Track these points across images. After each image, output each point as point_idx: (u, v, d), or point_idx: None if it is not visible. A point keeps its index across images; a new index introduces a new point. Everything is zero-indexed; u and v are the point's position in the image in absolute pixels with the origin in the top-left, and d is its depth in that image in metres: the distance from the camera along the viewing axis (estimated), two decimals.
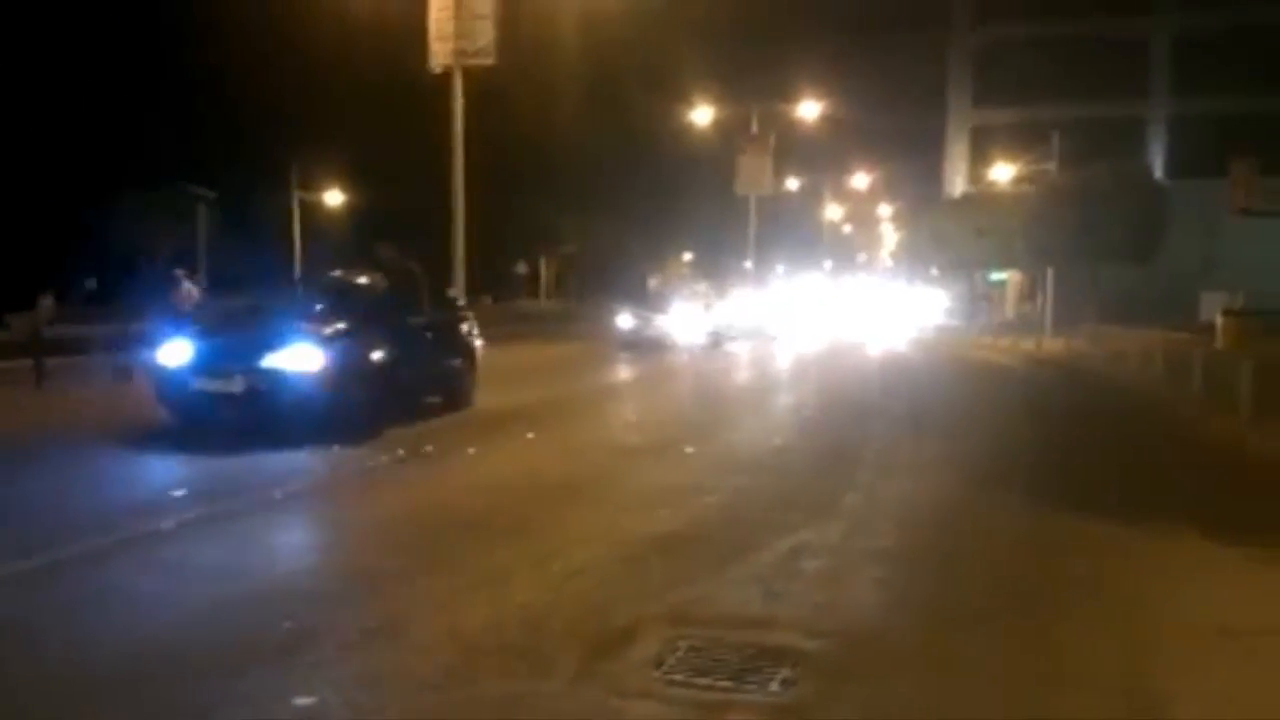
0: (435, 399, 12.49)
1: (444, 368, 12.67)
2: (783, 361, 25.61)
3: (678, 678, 4.29)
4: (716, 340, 28.13)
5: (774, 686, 4.21)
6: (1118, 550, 6.49)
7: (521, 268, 52.49)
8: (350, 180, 47.93)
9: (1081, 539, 6.81)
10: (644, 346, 25.42)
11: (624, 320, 27.02)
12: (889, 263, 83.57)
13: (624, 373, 20.76)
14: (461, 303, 14.94)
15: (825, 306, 48.64)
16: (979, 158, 48.25)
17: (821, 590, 5.55)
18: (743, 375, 21.87)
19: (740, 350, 27.91)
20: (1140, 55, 47.54)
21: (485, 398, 13.42)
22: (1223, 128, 40.77)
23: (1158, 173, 43.86)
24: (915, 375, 21.15)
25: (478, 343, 13.81)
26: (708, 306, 29.34)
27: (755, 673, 4.34)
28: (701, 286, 32.34)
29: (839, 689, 4.21)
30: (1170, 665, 4.51)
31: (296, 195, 45.03)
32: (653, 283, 31.45)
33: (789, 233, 65.34)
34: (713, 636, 4.74)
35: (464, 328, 13.66)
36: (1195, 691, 4.27)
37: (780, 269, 63.69)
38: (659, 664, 4.42)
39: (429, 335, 12.29)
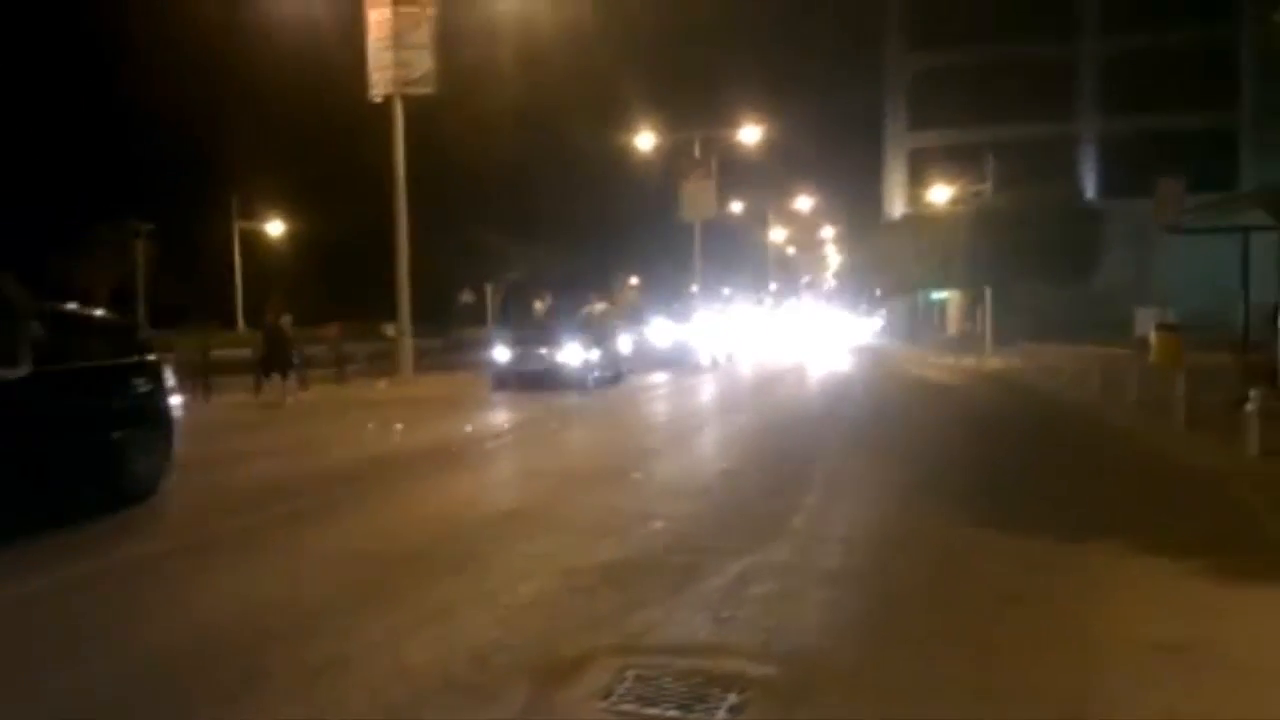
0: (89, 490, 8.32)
1: (89, 443, 8.40)
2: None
3: (626, 708, 4.28)
4: (615, 374, 23.83)
5: (721, 714, 4.22)
6: (1057, 566, 6.58)
7: (467, 296, 52.29)
8: (292, 210, 47.52)
9: (1021, 556, 6.91)
10: (523, 382, 21.21)
11: (500, 353, 21.94)
12: (833, 284, 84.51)
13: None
14: (146, 343, 10.01)
15: (765, 329, 48.05)
16: (917, 180, 49.07)
17: (769, 615, 5.58)
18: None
19: (649, 385, 23.80)
20: (1068, 78, 48.82)
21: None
22: (1151, 147, 41.91)
23: (1089, 192, 45.01)
24: (858, 395, 21.35)
25: (173, 401, 9.72)
26: (602, 336, 23.65)
27: (703, 700, 4.34)
28: (600, 308, 26.29)
29: (787, 714, 4.23)
30: (1108, 681, 4.59)
31: (237, 225, 44.51)
32: (539, 306, 25.43)
33: (734, 256, 65.83)
34: (661, 665, 4.74)
35: (138, 382, 9.28)
36: (1132, 706, 4.34)
37: (726, 292, 64.06)
38: (607, 695, 4.41)
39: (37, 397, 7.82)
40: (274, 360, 19.45)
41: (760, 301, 64.74)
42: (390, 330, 32.81)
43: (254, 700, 4.38)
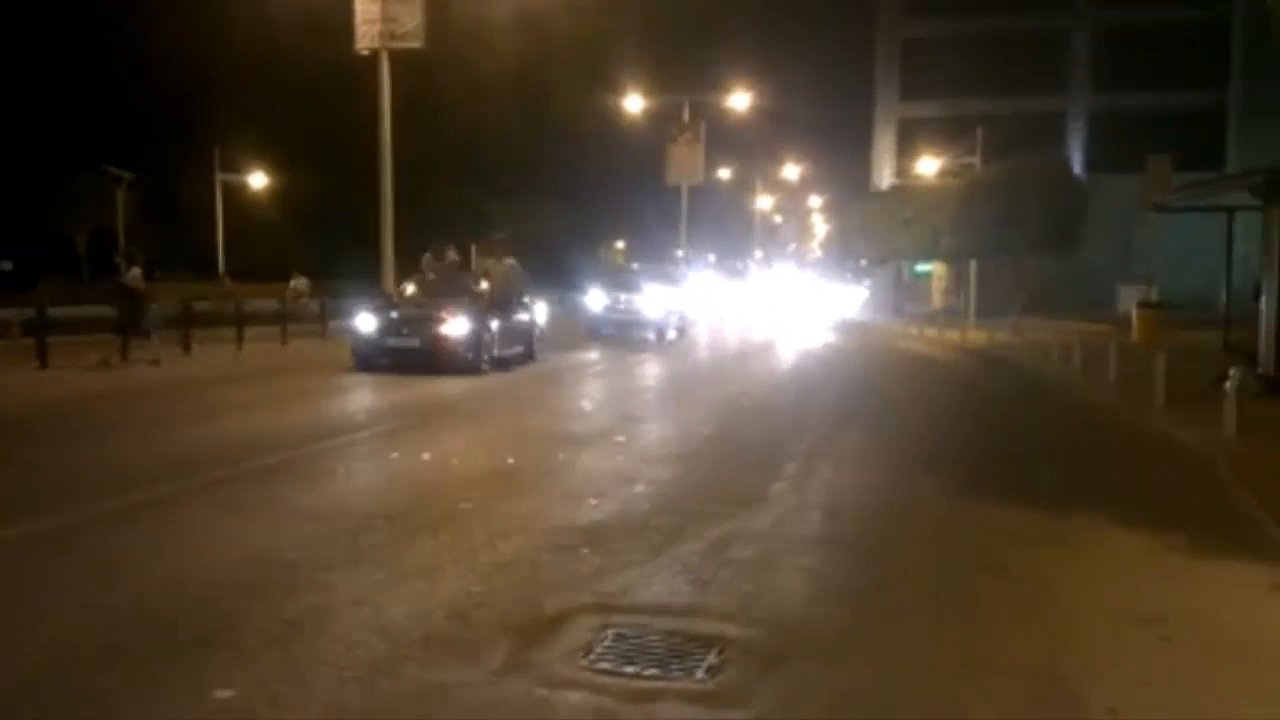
0: None
1: None
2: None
3: (604, 666, 4.29)
4: (524, 352, 18.45)
5: (700, 674, 4.24)
6: (1037, 538, 6.63)
7: (452, 254, 52.07)
8: (275, 164, 47.04)
9: (1002, 527, 6.96)
10: (396, 361, 16.19)
11: (364, 322, 16.80)
12: (819, 253, 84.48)
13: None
14: None
15: (741, 298, 44.62)
16: (906, 150, 48.95)
17: (749, 579, 5.60)
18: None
19: (569, 368, 18.68)
20: (1061, 51, 48.71)
21: None
22: (1140, 124, 41.93)
23: (1077, 167, 44.96)
24: (840, 367, 21.39)
25: None
26: (505, 303, 18.04)
27: (681, 660, 4.36)
28: (508, 264, 20.21)
29: (765, 676, 4.24)
30: (1088, 651, 4.63)
31: (219, 178, 44.03)
32: (428, 260, 19.77)
33: (720, 222, 65.68)
34: (640, 624, 4.76)
35: None
36: (1112, 676, 4.38)
37: (711, 257, 63.94)
38: (586, 652, 4.41)
39: None
40: (122, 320, 16.40)
41: (738, 269, 61.47)
42: (295, 284, 31.19)
43: (229, 652, 4.36)
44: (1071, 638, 4.78)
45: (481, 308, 16.92)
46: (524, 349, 18.41)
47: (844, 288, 55.45)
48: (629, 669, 4.27)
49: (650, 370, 19.52)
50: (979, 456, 9.95)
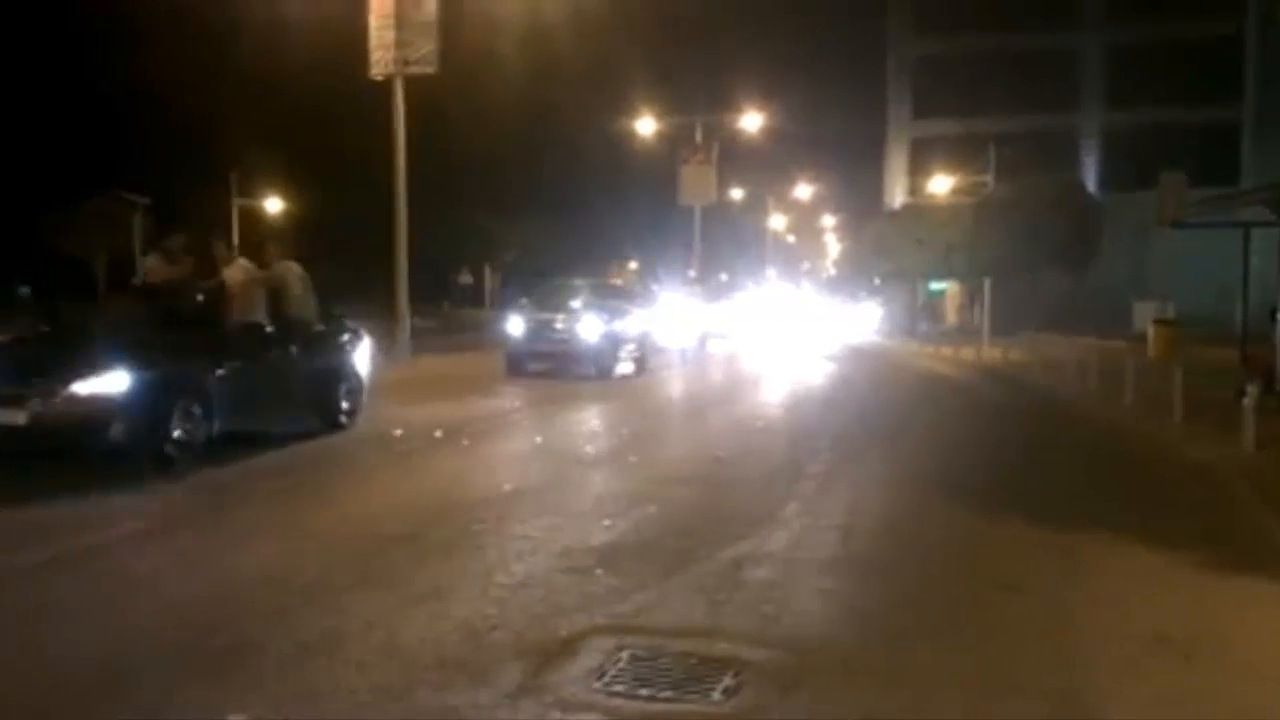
0: None
1: None
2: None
3: (619, 688, 4.27)
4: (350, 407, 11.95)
5: (715, 696, 4.21)
6: (1056, 557, 6.57)
7: (466, 277, 52.18)
8: (291, 188, 47.38)
9: (1019, 545, 6.91)
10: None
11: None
12: (832, 271, 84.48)
13: None
14: None
15: (743, 320, 38.69)
16: (918, 169, 48.94)
17: (766, 600, 5.57)
18: None
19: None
20: (1073, 69, 48.70)
21: None
22: (1153, 140, 41.83)
23: (1091, 185, 44.92)
24: (857, 385, 21.31)
25: None
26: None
27: (697, 682, 4.33)
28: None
29: (782, 698, 4.22)
30: (1108, 671, 4.58)
31: (236, 202, 44.39)
32: (149, 263, 12.91)
33: (734, 242, 65.71)
34: (655, 646, 4.73)
35: None
36: (1132, 696, 4.34)
37: (724, 277, 63.93)
38: (601, 675, 4.39)
39: None
40: None
41: (728, 288, 50.50)
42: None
43: (244, 675, 4.36)
44: (1091, 656, 4.74)
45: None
46: (317, 405, 11.24)
47: (856, 306, 54.89)
48: (644, 692, 4.24)
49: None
50: (994, 473, 9.88)
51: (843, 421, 14.18)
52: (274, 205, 46.99)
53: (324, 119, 43.49)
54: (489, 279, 55.93)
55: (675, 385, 20.18)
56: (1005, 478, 9.73)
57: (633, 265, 54.81)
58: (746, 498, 8.39)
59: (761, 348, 31.59)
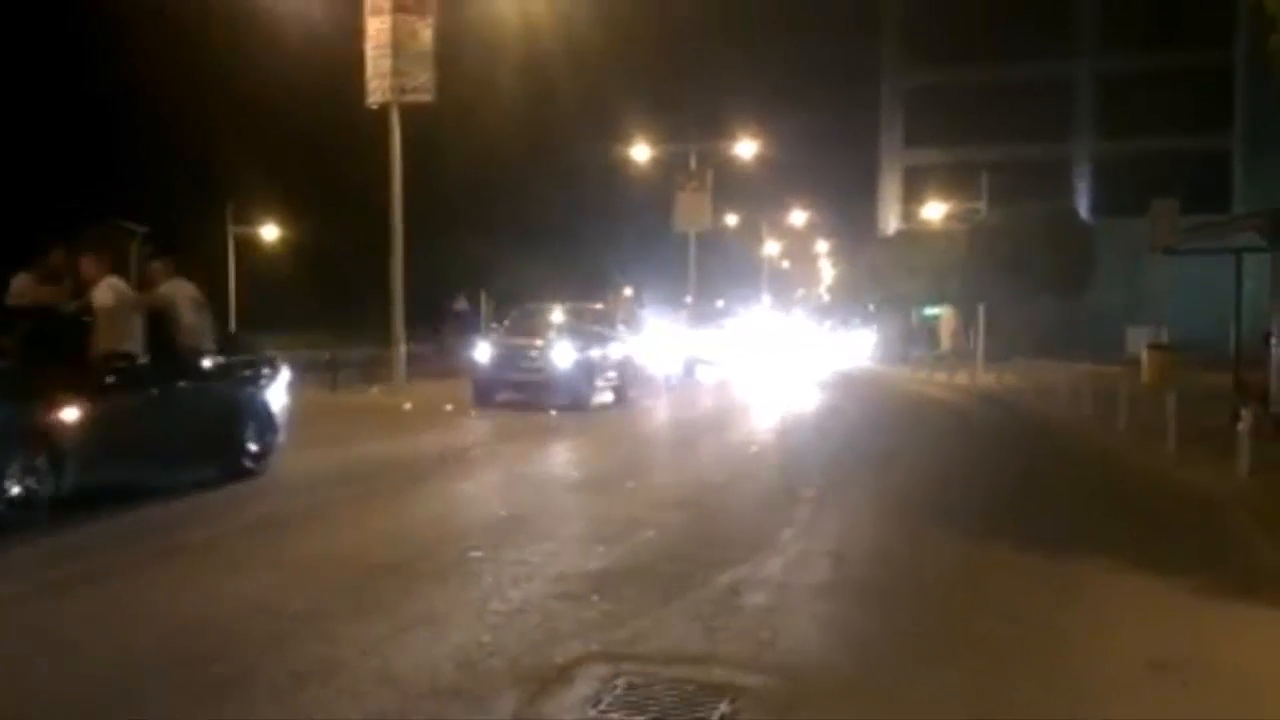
0: None
1: None
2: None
3: (615, 716, 4.26)
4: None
5: None
6: (1050, 583, 6.58)
7: (461, 304, 52.33)
8: (287, 216, 47.52)
9: (1014, 572, 6.91)
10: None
11: None
12: (826, 297, 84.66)
13: None
14: None
15: (748, 344, 37.12)
16: (912, 196, 49.21)
17: (761, 626, 5.57)
18: None
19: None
20: (1065, 97, 49.07)
21: None
22: (1145, 168, 42.08)
23: (1083, 212, 45.19)
24: (848, 414, 21.32)
25: None
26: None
27: (693, 709, 4.32)
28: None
29: None
30: (1104, 697, 4.58)
31: (232, 230, 44.48)
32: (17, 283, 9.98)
33: (729, 268, 65.85)
34: (651, 673, 4.72)
35: None
36: None
37: (720, 303, 64.05)
38: (596, 702, 4.38)
39: None
40: None
41: (731, 314, 47.36)
42: None
43: (239, 704, 4.34)
44: (1088, 683, 4.73)
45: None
46: (214, 450, 9.54)
47: (849, 333, 54.80)
48: (640, 718, 4.24)
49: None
50: (988, 500, 9.89)
51: (832, 454, 13.72)
52: (270, 233, 47.09)
53: (321, 147, 43.73)
54: (485, 306, 56.09)
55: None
56: (999, 503, 9.74)
57: (628, 291, 54.95)
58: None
59: (752, 375, 30.03)
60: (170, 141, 44.81)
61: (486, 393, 18.39)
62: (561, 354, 18.31)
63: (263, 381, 10.48)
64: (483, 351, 18.93)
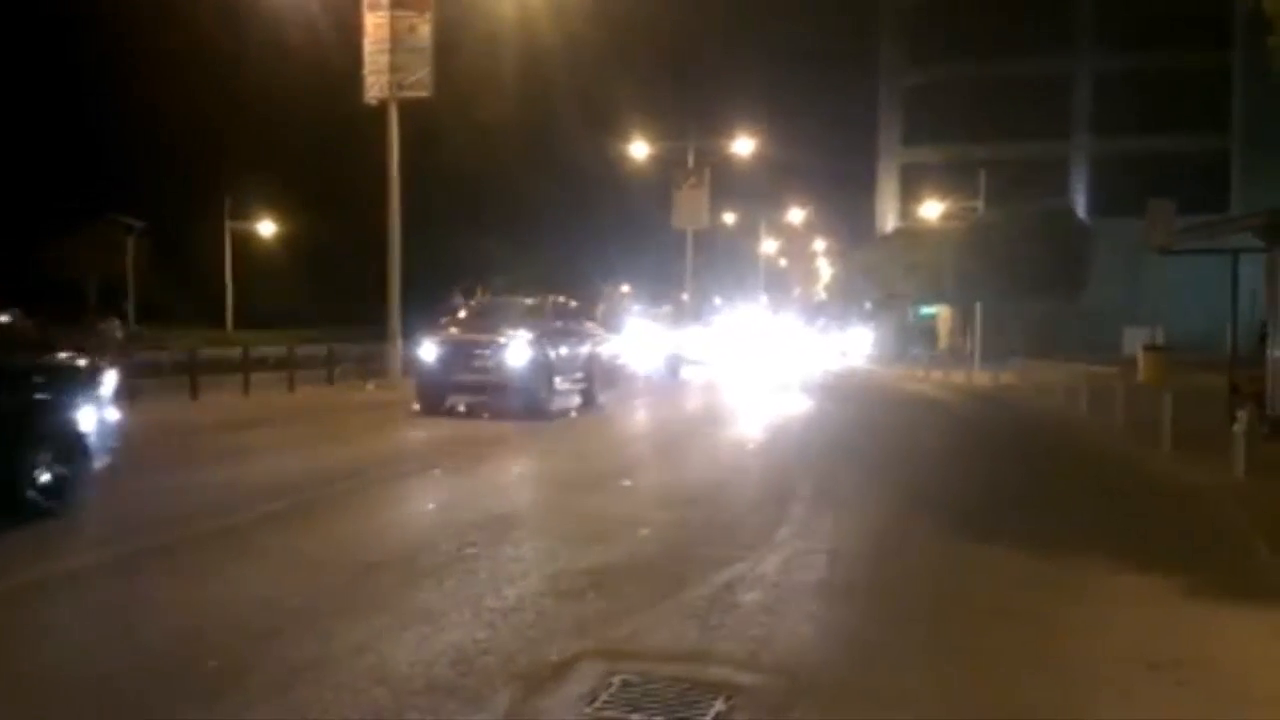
0: None
1: None
2: None
3: (610, 713, 4.25)
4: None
5: None
6: (1046, 582, 6.58)
7: (458, 299, 52.36)
8: (284, 211, 47.52)
9: (1011, 571, 6.90)
10: None
11: None
12: (823, 295, 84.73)
13: None
14: None
15: (737, 342, 36.25)
16: (909, 195, 49.23)
17: (757, 624, 5.56)
18: None
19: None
20: (1063, 96, 49.10)
21: None
22: (1143, 167, 42.12)
23: (1080, 211, 45.23)
24: (850, 412, 21.32)
25: None
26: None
27: (689, 707, 4.32)
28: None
29: None
30: (1099, 696, 4.58)
31: (228, 225, 44.48)
32: None
33: (726, 266, 65.87)
34: (647, 671, 4.72)
35: None
36: None
37: (718, 301, 64.08)
38: (592, 699, 4.38)
39: None
40: None
41: (717, 311, 46.74)
42: (105, 326, 21.56)
43: (235, 699, 4.34)
44: (1084, 683, 4.73)
45: None
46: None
47: (843, 333, 54.51)
48: (635, 717, 4.23)
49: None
50: (986, 500, 9.89)
51: (823, 464, 13.89)
52: (268, 229, 47.10)
53: (318, 143, 43.74)
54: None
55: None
56: (995, 503, 9.73)
57: (625, 288, 54.93)
58: None
59: (741, 376, 28.11)
60: (168, 137, 44.79)
61: (432, 397, 16.24)
62: (516, 353, 15.90)
63: (63, 393, 7.99)
64: (428, 350, 16.53)
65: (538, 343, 16.23)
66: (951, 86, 48.04)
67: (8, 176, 40.69)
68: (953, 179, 41.79)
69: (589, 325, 19.98)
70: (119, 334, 16.43)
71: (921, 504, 9.44)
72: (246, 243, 46.60)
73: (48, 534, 7.19)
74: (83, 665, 4.78)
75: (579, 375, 17.68)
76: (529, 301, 18.95)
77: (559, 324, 17.77)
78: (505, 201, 54.10)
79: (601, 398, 18.43)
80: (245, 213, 45.97)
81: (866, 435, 16.11)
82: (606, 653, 4.95)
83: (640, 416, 18.51)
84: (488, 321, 17.37)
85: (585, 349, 18.19)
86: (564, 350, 17.15)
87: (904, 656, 5.13)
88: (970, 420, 19.47)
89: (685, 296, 47.83)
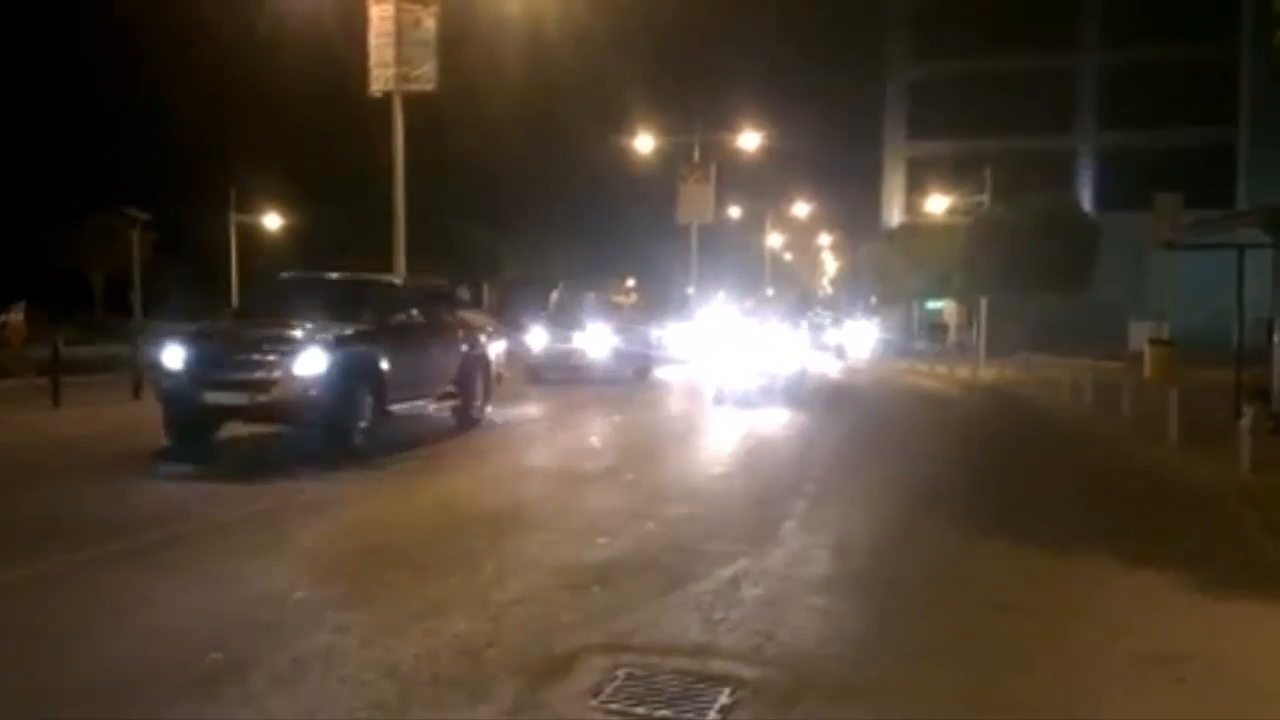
0: None
1: None
2: None
3: (615, 706, 4.27)
4: None
5: (712, 715, 4.21)
6: (1054, 578, 6.58)
7: (464, 293, 52.33)
8: (289, 204, 47.53)
9: (1015, 565, 6.90)
10: None
11: None
12: (829, 290, 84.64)
13: None
14: None
15: (720, 340, 31.47)
16: (915, 189, 49.13)
17: (762, 618, 5.57)
18: None
19: None
20: (1069, 90, 49.00)
21: None
22: (1149, 161, 42.02)
23: (1086, 205, 45.11)
24: (857, 404, 21.30)
25: None
26: None
27: (693, 701, 4.33)
28: None
29: (778, 717, 4.21)
30: (1103, 691, 4.58)
31: (234, 218, 44.50)
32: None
33: (731, 260, 65.77)
34: (651, 664, 4.73)
35: None
36: (1127, 717, 4.34)
37: (722, 295, 63.97)
38: (596, 693, 4.39)
39: None
40: None
41: (700, 306, 41.65)
42: (12, 318, 21.16)
43: (239, 692, 4.35)
44: (1086, 677, 4.74)
45: None
46: None
47: (840, 331, 53.90)
48: (640, 710, 4.24)
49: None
50: (990, 494, 9.89)
51: (845, 436, 14.06)
52: (273, 222, 47.13)
53: (323, 136, 43.69)
54: (487, 295, 56.09)
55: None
56: (999, 498, 9.72)
57: (630, 282, 54.88)
58: None
59: (723, 376, 19.91)
60: (174, 129, 44.81)
61: (181, 423, 11.29)
62: (308, 361, 10.77)
63: None
64: (172, 354, 11.16)
65: (340, 345, 11.11)
66: (957, 80, 47.94)
67: (13, 169, 40.76)
68: (958, 173, 41.70)
69: (474, 317, 16.57)
70: (19, 322, 14.07)
71: (928, 497, 9.42)
72: (252, 236, 46.63)
73: None
74: None
75: (447, 389, 13.32)
76: (348, 282, 13.70)
77: (401, 317, 12.67)
78: (511, 194, 54.03)
79: (489, 413, 14.34)
80: (250, 206, 46.00)
81: (880, 429, 16.08)
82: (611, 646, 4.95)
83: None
84: (271, 314, 12.17)
85: (455, 351, 13.68)
86: (409, 355, 12.28)
87: (909, 650, 5.13)
88: (973, 415, 19.44)
89: (691, 290, 47.71)
